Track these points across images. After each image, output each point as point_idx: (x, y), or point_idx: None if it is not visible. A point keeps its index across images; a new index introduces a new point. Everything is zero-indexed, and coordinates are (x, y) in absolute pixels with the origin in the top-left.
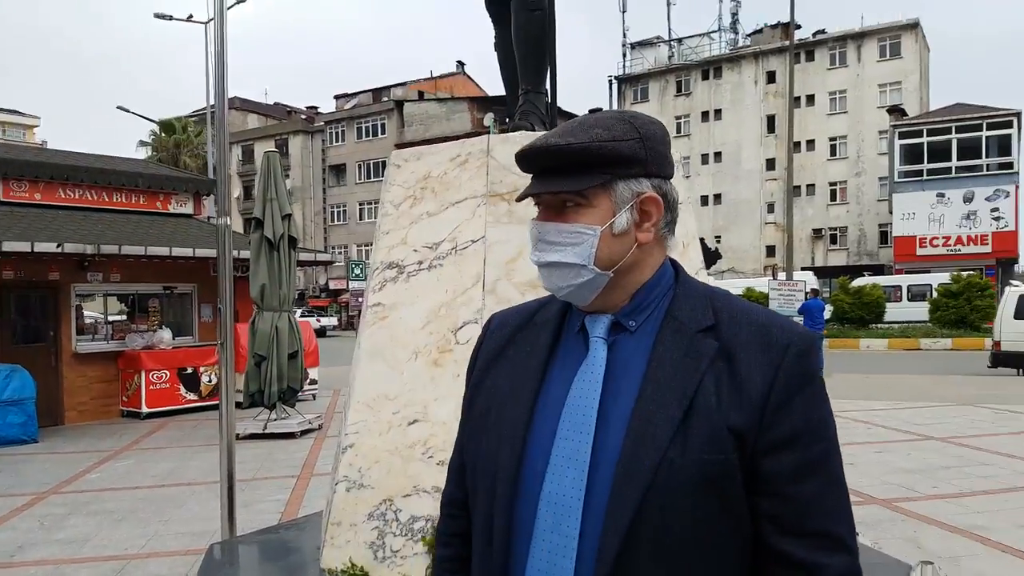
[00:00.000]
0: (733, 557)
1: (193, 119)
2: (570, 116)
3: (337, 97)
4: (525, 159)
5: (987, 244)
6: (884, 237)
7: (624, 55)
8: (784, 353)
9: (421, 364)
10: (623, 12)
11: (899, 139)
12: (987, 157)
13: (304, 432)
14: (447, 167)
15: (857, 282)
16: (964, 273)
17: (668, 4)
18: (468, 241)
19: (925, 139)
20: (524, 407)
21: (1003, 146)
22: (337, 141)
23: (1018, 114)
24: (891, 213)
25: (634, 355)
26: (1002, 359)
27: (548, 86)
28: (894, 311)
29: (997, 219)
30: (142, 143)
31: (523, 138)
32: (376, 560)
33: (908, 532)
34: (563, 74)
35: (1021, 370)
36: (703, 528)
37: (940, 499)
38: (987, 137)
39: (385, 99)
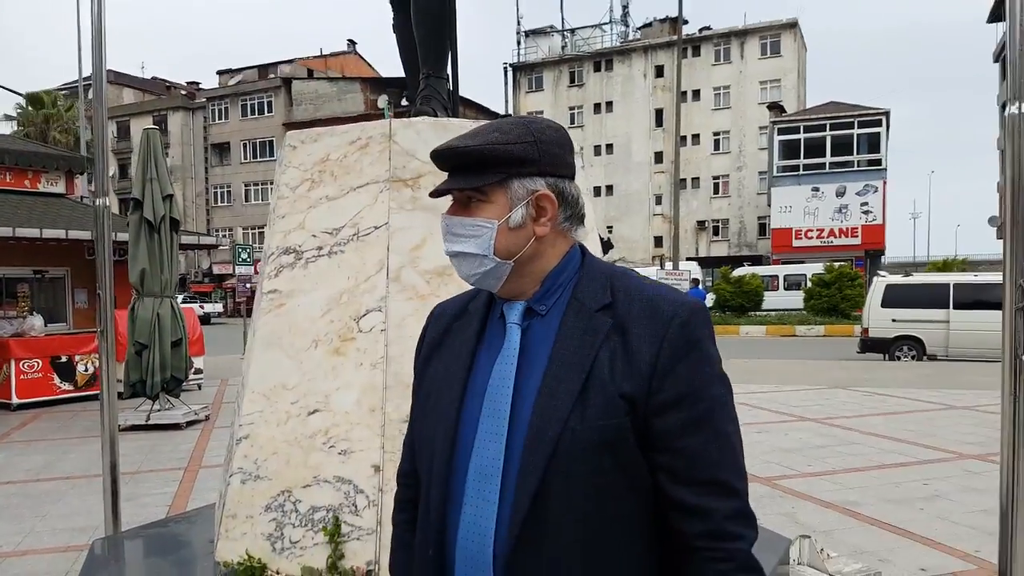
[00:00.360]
0: (632, 508)
1: (64, 92)
2: (470, 103)
3: (220, 73)
4: (439, 158)
5: (857, 236)
6: (763, 229)
7: (519, 43)
8: (669, 324)
9: (322, 353)
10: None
11: (778, 135)
12: (858, 154)
13: (190, 423)
14: (347, 150)
15: (738, 272)
16: (836, 264)
17: None
18: (371, 227)
19: (802, 135)
20: (455, 392)
21: (873, 143)
22: (220, 119)
23: (887, 113)
24: (769, 206)
25: (544, 337)
26: (870, 345)
27: (449, 71)
28: (772, 299)
29: (866, 213)
30: (7, 117)
31: (425, 124)
32: (274, 552)
33: (787, 508)
34: (461, 60)
35: (887, 355)
36: (602, 484)
37: (816, 476)
38: (858, 135)
39: (272, 76)
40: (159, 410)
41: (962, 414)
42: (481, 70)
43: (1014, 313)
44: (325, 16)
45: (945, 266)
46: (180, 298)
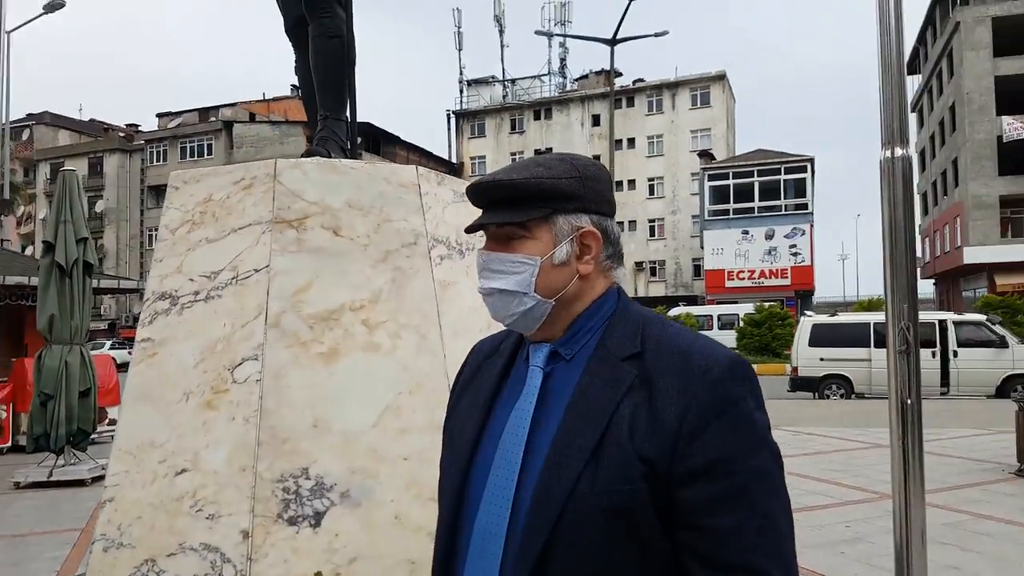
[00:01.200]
0: None
1: None
2: (414, 147)
3: (160, 115)
4: (479, 191)
5: (787, 277)
6: (697, 270)
7: (461, 91)
8: (700, 379)
9: (193, 407)
10: (459, 50)
11: (708, 181)
12: (785, 198)
13: (96, 479)
14: (230, 191)
15: (673, 312)
16: (766, 304)
17: (502, 46)
18: (251, 270)
19: (731, 181)
20: (469, 436)
21: (799, 189)
22: (159, 161)
23: (811, 160)
24: (703, 248)
25: (565, 384)
26: (799, 383)
27: (349, 113)
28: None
29: (795, 254)
30: None
31: (312, 164)
32: None
33: None
34: (404, 106)
35: (816, 393)
36: (612, 557)
37: None
38: (785, 180)
39: (213, 119)
40: (63, 465)
41: (884, 452)
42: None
43: (897, 356)
44: (269, 63)
45: (871, 305)
46: (108, 344)
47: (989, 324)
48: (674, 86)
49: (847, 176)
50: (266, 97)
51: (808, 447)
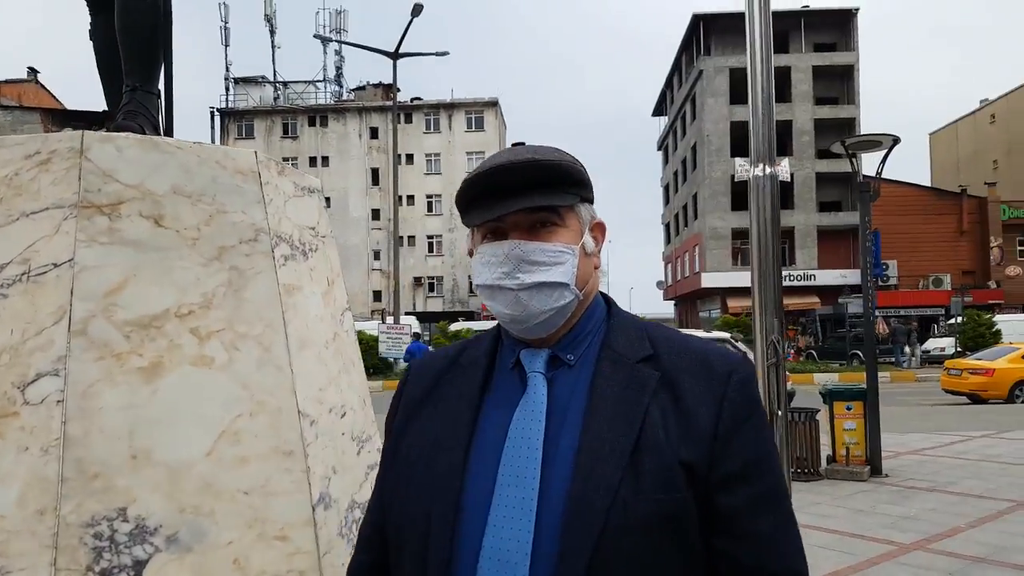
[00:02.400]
0: None
1: None
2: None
3: None
4: (504, 172)
5: None
6: (473, 287)
7: (228, 89)
8: (727, 381)
9: None
10: (226, 46)
11: None
12: None
13: None
14: (20, 166)
15: (454, 326)
16: None
17: (273, 47)
18: (48, 265)
19: None
20: (457, 454)
21: None
22: None
23: None
24: None
25: (574, 391)
26: None
27: (162, 86)
28: None
29: None
30: None
31: (130, 140)
32: None
33: None
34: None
35: None
36: (658, 571)
37: None
38: None
39: None
40: None
41: None
42: (184, 112)
43: (767, 369)
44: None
45: None
46: None
47: (733, 341)
48: (451, 107)
49: (599, 207)
50: None
51: None
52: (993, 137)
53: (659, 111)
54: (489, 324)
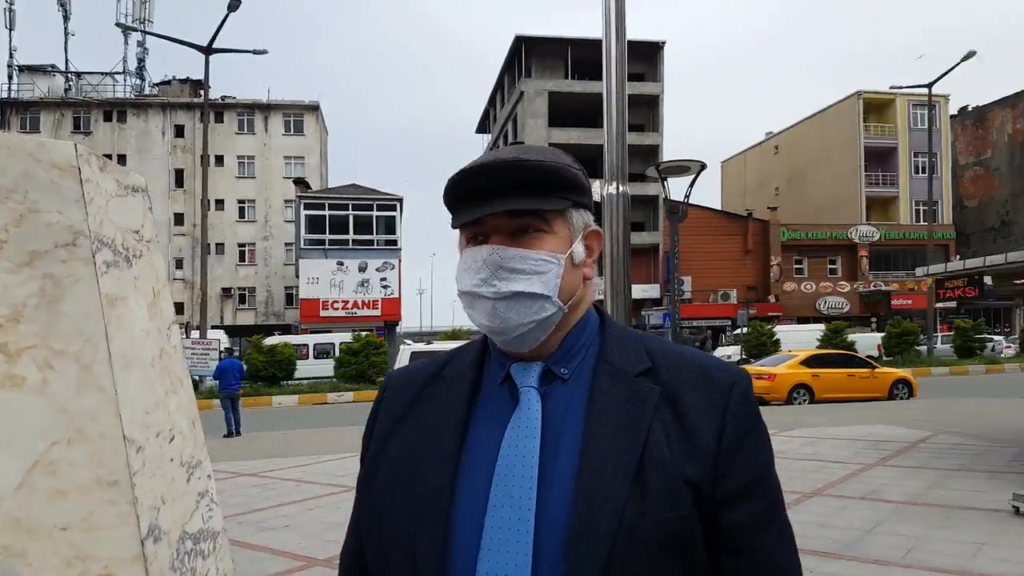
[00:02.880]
0: None
1: None
2: None
3: None
4: (489, 173)
5: (378, 308)
6: (290, 299)
7: (11, 77)
8: (729, 394)
9: None
10: (10, 30)
11: (304, 209)
12: (377, 233)
13: None
14: None
15: (268, 341)
16: (363, 333)
17: (66, 34)
18: None
19: (327, 212)
20: (444, 474)
21: (390, 225)
22: None
23: (400, 200)
24: (297, 277)
25: (570, 406)
26: None
27: None
28: (303, 368)
29: (385, 287)
30: None
31: None
32: None
33: None
34: None
35: None
36: None
37: None
38: (377, 216)
39: None
40: None
41: None
42: None
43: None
44: None
45: (455, 334)
46: None
47: None
48: (267, 108)
49: (421, 219)
50: None
51: None
52: (776, 166)
53: (483, 128)
54: (307, 338)
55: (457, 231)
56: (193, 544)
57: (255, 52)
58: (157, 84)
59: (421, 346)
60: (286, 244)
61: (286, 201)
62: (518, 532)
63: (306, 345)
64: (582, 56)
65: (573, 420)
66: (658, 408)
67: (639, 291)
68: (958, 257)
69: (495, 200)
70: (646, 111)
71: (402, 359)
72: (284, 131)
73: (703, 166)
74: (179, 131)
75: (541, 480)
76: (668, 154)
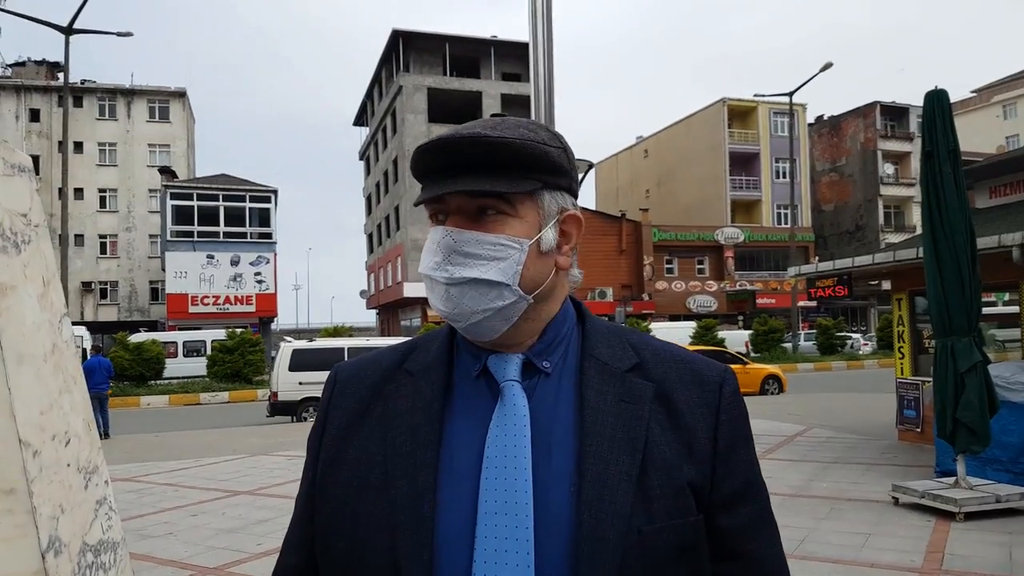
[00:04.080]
0: None
1: None
2: None
3: None
4: (446, 147)
5: (252, 304)
6: (155, 294)
7: None
8: (720, 392)
9: None
10: None
11: (171, 200)
12: (250, 226)
13: None
14: None
15: (134, 338)
16: (238, 330)
17: None
18: None
19: (196, 203)
20: (424, 477)
21: (263, 218)
22: None
23: (275, 191)
24: (164, 271)
25: (558, 402)
26: (279, 408)
27: None
28: (172, 367)
29: (260, 282)
30: None
31: None
32: None
33: None
34: None
35: (295, 417)
36: None
37: (269, 556)
38: (250, 208)
39: None
40: None
41: None
42: None
43: None
44: None
45: (337, 332)
46: None
47: None
48: (130, 93)
49: (297, 212)
50: None
51: None
52: (647, 169)
53: (360, 121)
54: (176, 335)
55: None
56: (94, 556)
57: (119, 34)
58: (11, 65)
59: (303, 343)
60: (151, 236)
61: (151, 191)
62: (516, 541)
63: (175, 342)
64: (460, 54)
65: (563, 418)
66: (653, 406)
67: None
68: (817, 259)
69: (457, 178)
70: (523, 111)
71: (283, 357)
72: (149, 117)
73: (590, 165)
74: (34, 115)
75: (535, 483)
76: None
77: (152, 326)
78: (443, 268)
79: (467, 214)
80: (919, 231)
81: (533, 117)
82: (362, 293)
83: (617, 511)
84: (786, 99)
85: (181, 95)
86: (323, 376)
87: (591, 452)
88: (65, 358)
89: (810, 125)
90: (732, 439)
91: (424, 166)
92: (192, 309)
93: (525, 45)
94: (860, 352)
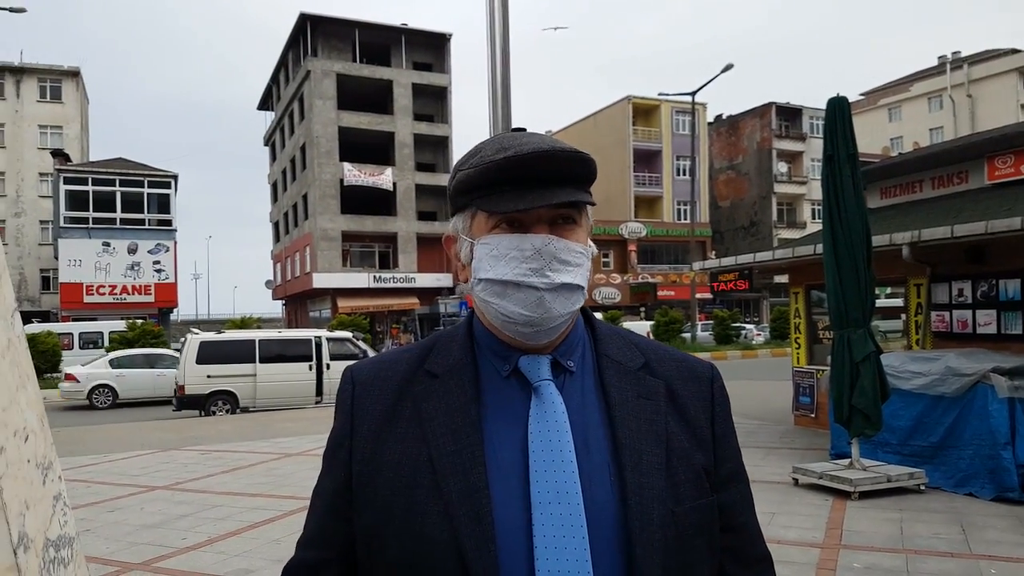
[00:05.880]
0: None
1: None
2: None
3: None
4: (551, 159)
5: (151, 294)
6: (47, 283)
7: None
8: (711, 386)
9: None
10: None
11: (64, 184)
12: (149, 212)
13: None
14: None
15: (27, 329)
16: (137, 321)
17: None
18: None
19: (91, 188)
20: (476, 474)
21: (163, 204)
22: None
23: (175, 176)
24: (56, 258)
25: (585, 399)
26: (186, 402)
27: None
28: (69, 359)
29: (159, 271)
30: None
31: None
32: None
33: None
34: None
35: (203, 411)
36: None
37: (195, 550)
38: (148, 194)
39: None
40: None
41: (297, 460)
42: None
43: None
44: None
45: (244, 323)
46: None
47: (353, 340)
48: (19, 72)
49: (197, 198)
50: None
51: (225, 464)
52: None
53: (265, 106)
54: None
55: (485, 213)
56: (55, 552)
57: (12, 10)
58: None
59: (212, 335)
60: (42, 222)
61: (41, 175)
62: (572, 527)
63: (70, 334)
64: (370, 40)
65: (591, 413)
66: (666, 402)
67: (432, 280)
68: (714, 253)
69: (548, 189)
70: (435, 102)
71: (190, 348)
72: (39, 97)
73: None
74: None
75: (580, 474)
76: (457, 146)
77: (44, 317)
78: (543, 274)
79: (546, 222)
80: (809, 228)
81: (490, 117)
82: (268, 283)
83: (656, 495)
84: (688, 98)
85: (75, 74)
86: (233, 369)
87: (626, 444)
88: (19, 354)
89: (709, 124)
90: (724, 427)
91: (510, 174)
92: (87, 299)
93: (437, 35)
94: (754, 342)
